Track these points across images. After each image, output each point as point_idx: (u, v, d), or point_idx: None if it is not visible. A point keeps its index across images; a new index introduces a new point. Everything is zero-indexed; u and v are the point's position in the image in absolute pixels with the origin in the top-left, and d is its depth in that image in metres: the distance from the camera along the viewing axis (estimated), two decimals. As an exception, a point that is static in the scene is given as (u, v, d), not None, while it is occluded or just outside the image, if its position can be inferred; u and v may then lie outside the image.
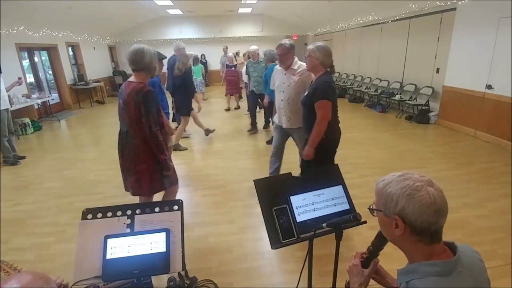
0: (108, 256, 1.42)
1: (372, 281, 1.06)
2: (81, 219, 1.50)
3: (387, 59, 7.91)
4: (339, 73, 10.56)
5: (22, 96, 6.56)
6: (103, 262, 1.41)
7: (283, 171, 3.22)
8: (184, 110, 4.82)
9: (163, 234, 1.49)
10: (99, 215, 1.52)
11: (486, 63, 4.83)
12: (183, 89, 4.65)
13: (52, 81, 9.05)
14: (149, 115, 2.03)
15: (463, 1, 5.16)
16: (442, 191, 0.80)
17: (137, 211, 1.56)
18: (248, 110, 6.48)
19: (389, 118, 6.85)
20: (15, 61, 6.84)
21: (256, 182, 1.42)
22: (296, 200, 1.40)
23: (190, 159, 4.69)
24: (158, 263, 1.44)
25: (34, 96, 7.13)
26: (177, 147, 4.86)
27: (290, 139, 3.22)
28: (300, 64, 2.87)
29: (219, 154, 4.78)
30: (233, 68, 7.59)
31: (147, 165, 2.16)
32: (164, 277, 1.95)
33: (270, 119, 5.76)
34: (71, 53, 9.67)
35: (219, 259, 2.36)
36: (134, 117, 2.04)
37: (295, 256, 2.32)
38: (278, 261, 2.32)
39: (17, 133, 5.99)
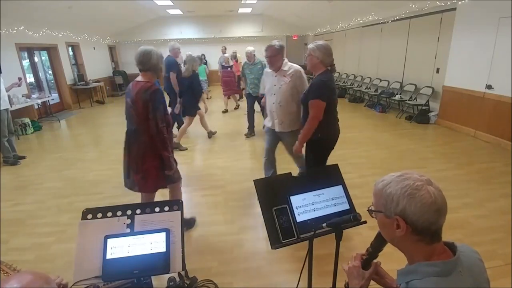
0: (108, 256, 1.42)
1: (371, 281, 1.06)
2: (81, 219, 1.50)
3: (387, 59, 7.91)
4: (339, 73, 10.56)
5: (22, 96, 6.57)
6: (103, 262, 1.41)
7: (283, 171, 3.20)
8: (191, 110, 5.00)
9: (163, 234, 1.49)
10: (99, 215, 1.52)
11: (486, 63, 4.83)
12: (191, 90, 4.84)
13: (52, 81, 9.05)
14: (156, 112, 2.12)
15: (463, 1, 5.16)
16: (441, 190, 0.80)
17: (137, 211, 1.56)
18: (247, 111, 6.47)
19: (389, 118, 6.85)
20: (15, 61, 6.84)
21: (256, 182, 1.42)
22: (296, 200, 1.40)
23: (190, 159, 4.70)
24: (158, 263, 1.44)
25: (34, 96, 7.13)
26: (178, 147, 4.88)
27: None
28: (290, 66, 2.78)
29: (219, 154, 4.79)
30: (229, 69, 7.57)
31: (154, 163, 2.24)
32: (164, 277, 1.94)
33: None
34: (71, 53, 9.67)
35: (219, 259, 2.36)
36: (142, 114, 2.13)
37: (295, 256, 2.32)
38: (278, 261, 2.32)
39: (17, 133, 5.99)
